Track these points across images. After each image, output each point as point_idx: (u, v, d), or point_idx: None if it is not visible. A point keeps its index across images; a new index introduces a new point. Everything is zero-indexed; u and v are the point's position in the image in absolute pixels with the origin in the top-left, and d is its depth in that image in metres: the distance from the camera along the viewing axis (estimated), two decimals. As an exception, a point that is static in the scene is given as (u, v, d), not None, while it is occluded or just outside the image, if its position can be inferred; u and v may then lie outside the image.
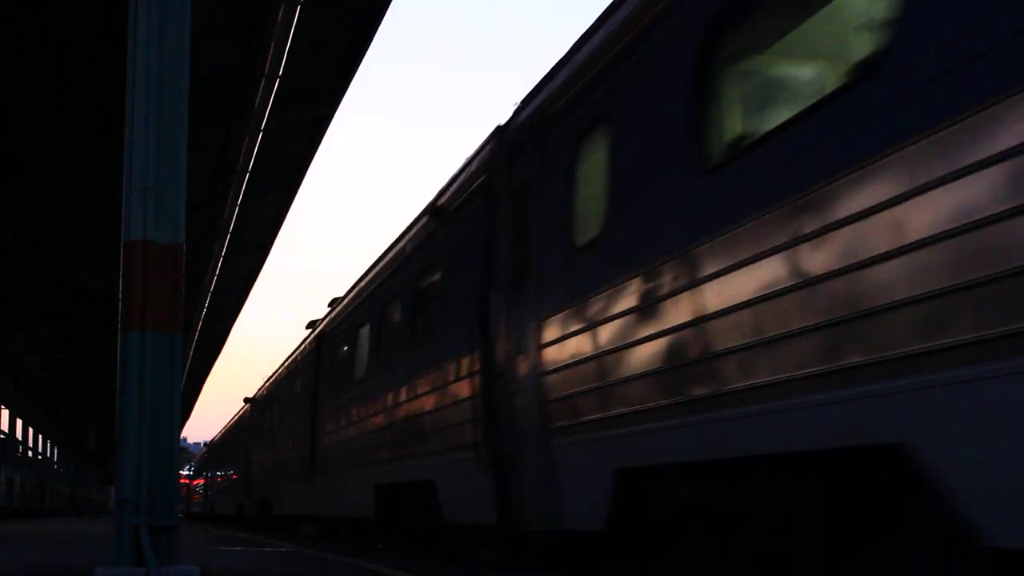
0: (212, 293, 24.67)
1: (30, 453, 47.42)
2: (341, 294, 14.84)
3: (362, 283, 12.64)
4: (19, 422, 42.12)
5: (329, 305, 15.39)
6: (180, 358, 6.08)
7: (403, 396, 9.51)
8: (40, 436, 50.70)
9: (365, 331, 11.85)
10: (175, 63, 6.16)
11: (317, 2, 11.74)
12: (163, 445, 5.87)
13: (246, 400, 25.45)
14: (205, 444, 42.17)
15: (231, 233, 19.90)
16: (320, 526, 17.12)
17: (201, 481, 44.73)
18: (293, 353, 18.45)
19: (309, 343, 16.30)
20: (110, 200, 16.04)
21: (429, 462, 8.53)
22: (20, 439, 43.24)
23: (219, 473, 34.23)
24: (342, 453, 12.46)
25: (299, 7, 11.53)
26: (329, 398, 13.72)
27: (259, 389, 23.33)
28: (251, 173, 16.41)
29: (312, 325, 16.87)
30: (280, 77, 13.11)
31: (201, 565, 6.07)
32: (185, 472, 50.82)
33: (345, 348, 13.17)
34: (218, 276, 23.10)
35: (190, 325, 27.15)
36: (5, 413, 39.84)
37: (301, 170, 18.06)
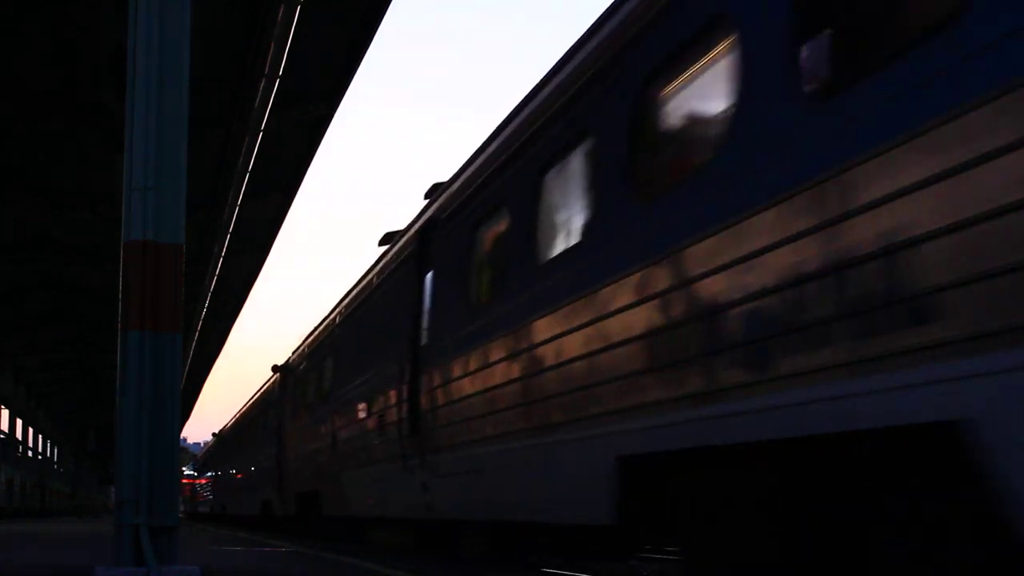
0: (212, 293, 24.69)
1: (30, 453, 47.45)
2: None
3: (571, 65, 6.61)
4: (19, 422, 42.16)
5: (426, 197, 10.40)
6: (180, 358, 6.08)
7: (761, 240, 4.23)
8: (40, 436, 50.72)
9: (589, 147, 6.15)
10: (175, 63, 6.16)
11: (317, 2, 11.75)
12: (163, 445, 5.87)
13: (275, 368, 20.07)
14: (214, 434, 39.19)
15: (231, 233, 19.93)
16: (416, 533, 11.69)
17: (206, 480, 41.75)
18: (361, 280, 13.06)
19: (402, 248, 10.71)
20: (110, 200, 16.06)
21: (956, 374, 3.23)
22: (20, 439, 43.28)
23: (233, 466, 28.57)
24: (496, 408, 7.21)
25: (299, 7, 11.54)
26: (452, 323, 8.50)
27: (297, 350, 18.16)
28: (251, 173, 16.43)
29: (388, 239, 11.86)
30: (280, 77, 13.12)
31: (201, 565, 6.07)
32: (187, 472, 50.46)
33: (500, 222, 7.68)
34: (218, 276, 23.13)
35: (190, 325, 27.18)
36: (5, 413, 39.88)
37: (301, 170, 18.09)
